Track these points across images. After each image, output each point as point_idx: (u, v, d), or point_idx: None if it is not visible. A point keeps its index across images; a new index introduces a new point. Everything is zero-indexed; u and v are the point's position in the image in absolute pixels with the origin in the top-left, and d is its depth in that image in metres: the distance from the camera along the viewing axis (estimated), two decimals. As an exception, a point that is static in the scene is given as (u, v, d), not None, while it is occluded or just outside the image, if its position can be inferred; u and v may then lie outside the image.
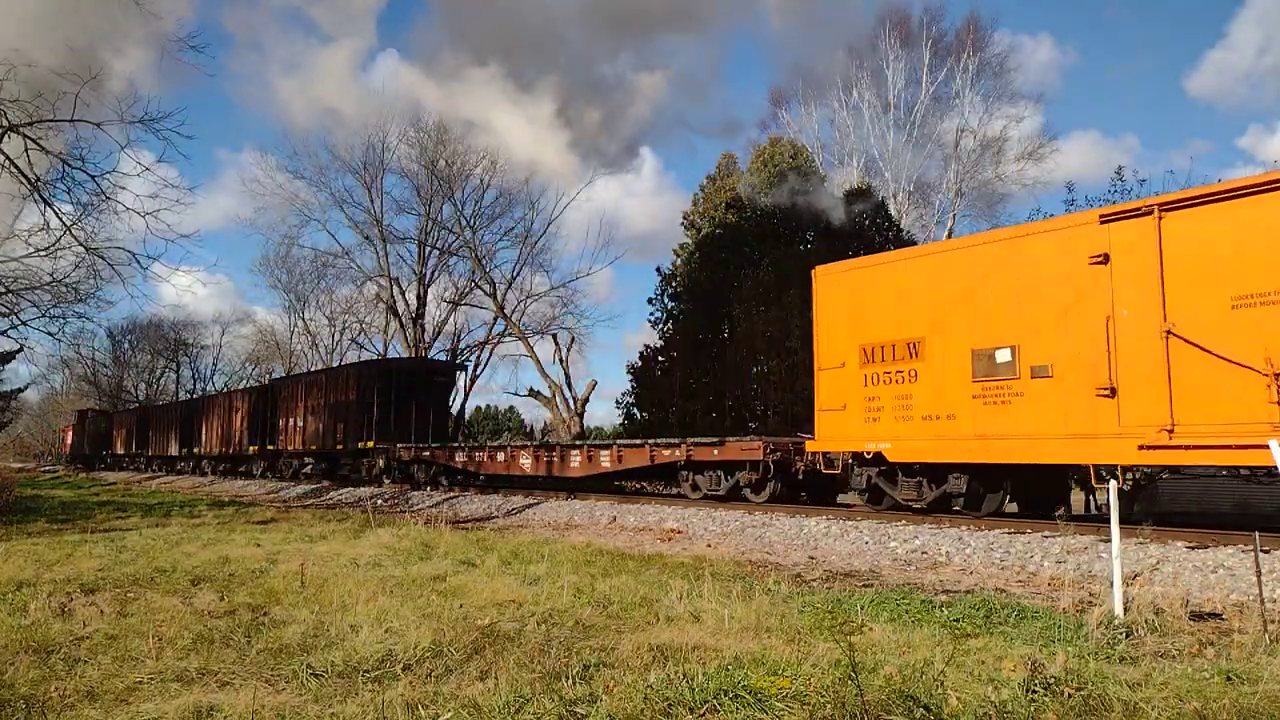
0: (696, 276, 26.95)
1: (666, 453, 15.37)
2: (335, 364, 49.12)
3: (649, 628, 5.35)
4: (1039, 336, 10.15)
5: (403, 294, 39.75)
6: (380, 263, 39.26)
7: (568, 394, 33.86)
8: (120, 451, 46.85)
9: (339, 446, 24.83)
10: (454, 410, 31.39)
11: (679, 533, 12.19)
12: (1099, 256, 9.68)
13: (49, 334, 28.34)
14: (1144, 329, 9.27)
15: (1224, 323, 8.70)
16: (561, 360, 33.40)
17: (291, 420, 27.96)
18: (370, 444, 23.09)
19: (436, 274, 40.45)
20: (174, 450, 38.84)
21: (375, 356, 42.10)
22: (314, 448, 26.36)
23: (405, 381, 24.08)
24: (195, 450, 36.39)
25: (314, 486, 25.11)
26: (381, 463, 22.66)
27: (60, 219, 16.87)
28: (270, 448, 29.33)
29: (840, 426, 12.14)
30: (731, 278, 25.24)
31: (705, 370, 25.55)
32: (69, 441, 58.11)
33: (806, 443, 12.97)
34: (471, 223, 38.74)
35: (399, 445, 22.24)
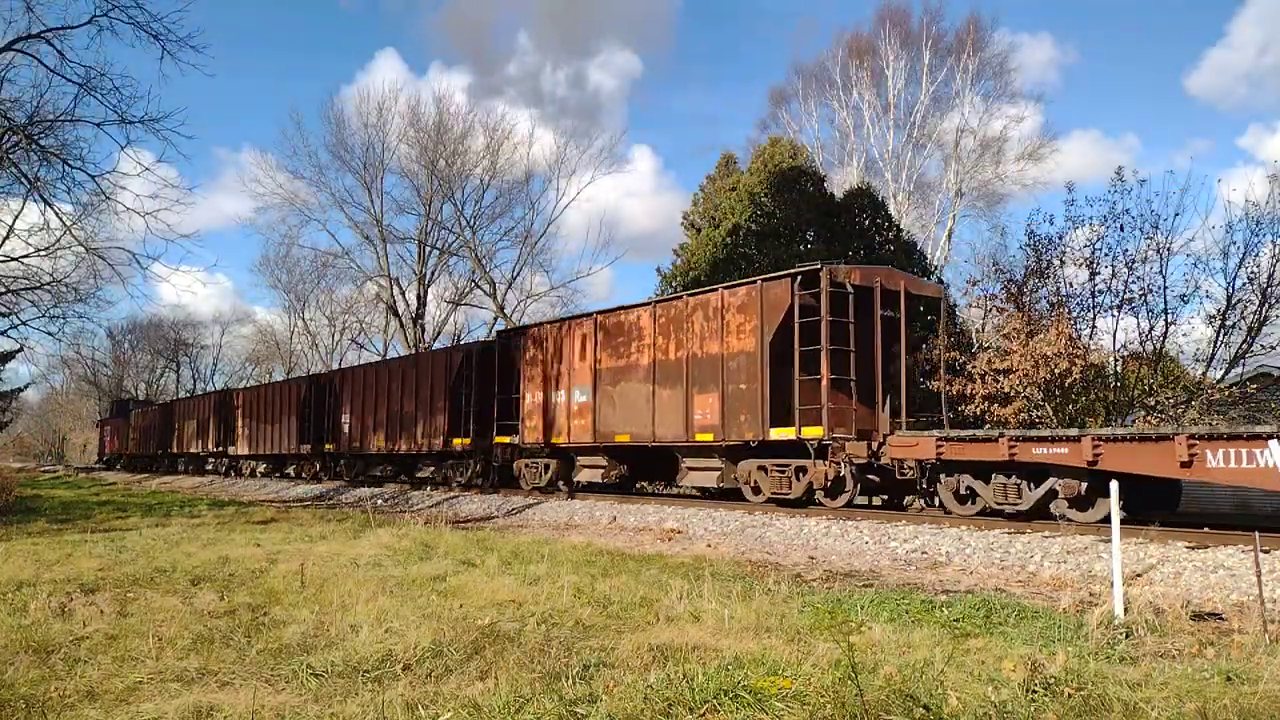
0: (696, 276, 26.95)
1: None
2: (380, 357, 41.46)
3: (649, 628, 5.34)
4: None
5: (403, 294, 39.81)
6: (380, 263, 39.34)
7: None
8: (192, 450, 35.55)
9: (699, 436, 13.76)
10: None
11: (679, 533, 12.18)
12: None
13: (49, 334, 27.87)
14: None
15: None
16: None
17: (553, 396, 16.76)
18: (813, 431, 12.25)
19: (436, 274, 40.53)
20: (287, 445, 27.43)
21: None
22: (622, 440, 15.27)
23: (865, 308, 12.83)
24: (329, 446, 25.07)
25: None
26: (842, 469, 12.28)
27: (60, 219, 16.91)
28: (503, 440, 18.17)
29: None
30: (731, 278, 25.26)
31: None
32: (105, 440, 50.95)
33: None
34: (471, 223, 38.81)
35: (943, 439, 11.27)
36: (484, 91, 78.93)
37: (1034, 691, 3.86)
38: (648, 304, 15.29)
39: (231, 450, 31.73)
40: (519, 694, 3.91)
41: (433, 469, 21.12)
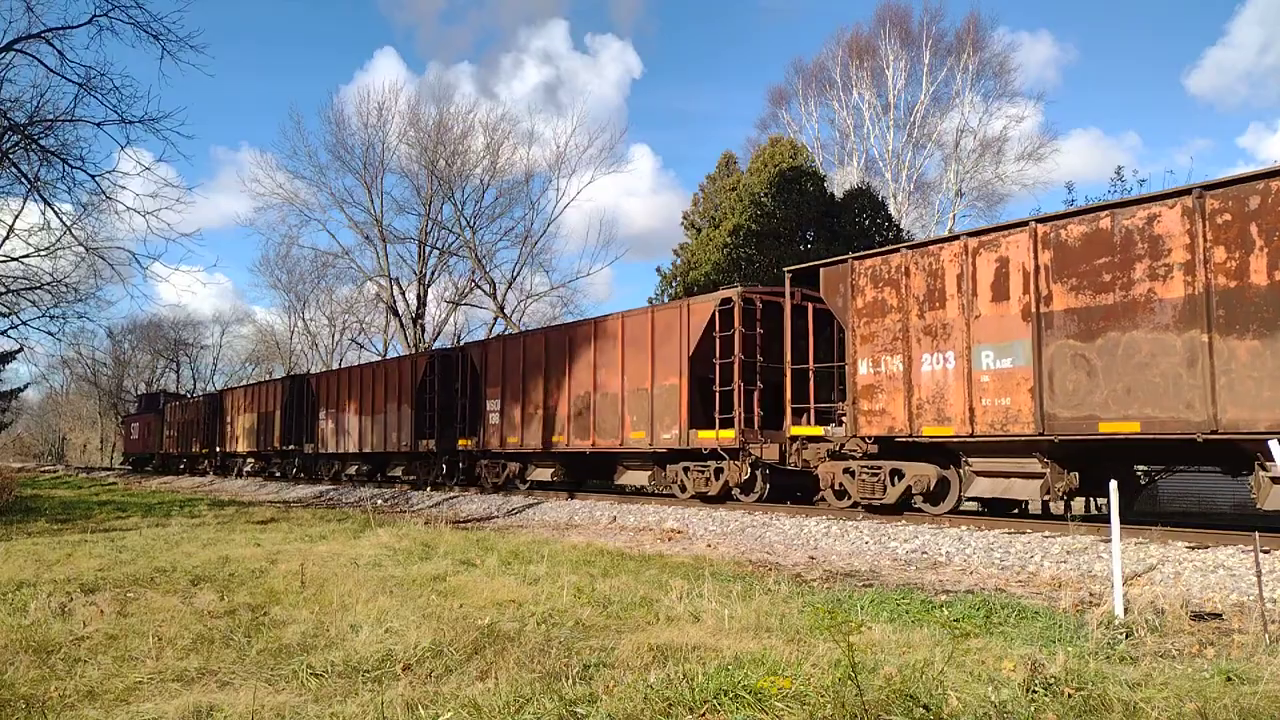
0: (697, 277, 26.97)
1: None
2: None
3: (649, 628, 5.34)
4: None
5: (403, 294, 39.86)
6: (380, 263, 39.40)
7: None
8: (252, 448, 29.85)
9: None
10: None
11: (679, 533, 12.18)
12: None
13: (49, 334, 27.92)
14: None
15: None
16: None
17: (925, 362, 10.66)
18: None
19: (436, 274, 40.58)
20: (396, 440, 21.67)
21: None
22: (1119, 429, 8.99)
23: None
24: (466, 443, 19.50)
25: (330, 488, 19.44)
26: None
27: (60, 219, 16.95)
28: (805, 432, 12.39)
29: None
30: (732, 279, 25.29)
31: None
32: (132, 438, 44.15)
33: None
34: (471, 223, 38.84)
35: None
36: (475, 82, 78.93)
37: (1034, 691, 3.86)
38: (1175, 195, 8.78)
39: (309, 448, 26.06)
40: (519, 694, 3.91)
41: (648, 472, 15.50)
